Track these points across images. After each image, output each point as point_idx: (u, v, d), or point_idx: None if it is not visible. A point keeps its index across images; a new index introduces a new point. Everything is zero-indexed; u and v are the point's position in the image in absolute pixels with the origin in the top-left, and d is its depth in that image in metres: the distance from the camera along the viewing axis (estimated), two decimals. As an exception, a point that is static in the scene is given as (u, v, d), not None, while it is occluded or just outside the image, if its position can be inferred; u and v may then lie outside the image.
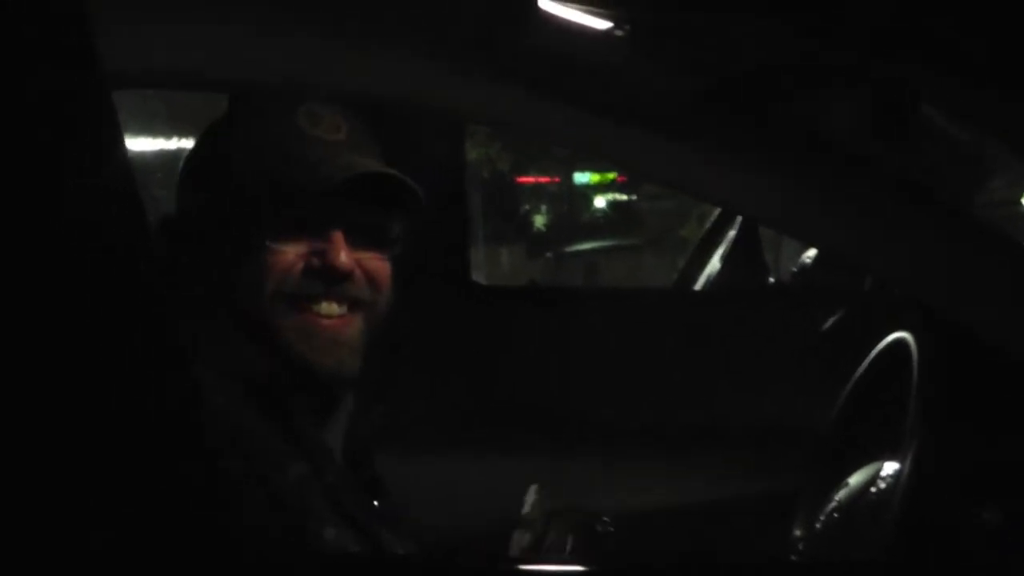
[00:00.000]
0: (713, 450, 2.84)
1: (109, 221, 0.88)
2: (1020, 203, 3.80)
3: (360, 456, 1.64)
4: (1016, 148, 1.84)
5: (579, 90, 1.64)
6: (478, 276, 6.19)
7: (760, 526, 2.10)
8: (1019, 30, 1.38)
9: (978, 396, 1.68)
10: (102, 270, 0.88)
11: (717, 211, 5.25)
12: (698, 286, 4.95)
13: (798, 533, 2.01)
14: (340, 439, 1.61)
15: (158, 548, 0.90)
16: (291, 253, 1.52)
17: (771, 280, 4.93)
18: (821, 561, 1.86)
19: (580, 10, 1.47)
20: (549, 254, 14.63)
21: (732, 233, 4.77)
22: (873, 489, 1.78)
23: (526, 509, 1.68)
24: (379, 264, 1.58)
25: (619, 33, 1.51)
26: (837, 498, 1.88)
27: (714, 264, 4.88)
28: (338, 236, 1.53)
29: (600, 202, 17.01)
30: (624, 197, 17.06)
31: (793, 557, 1.98)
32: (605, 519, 1.69)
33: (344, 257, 1.52)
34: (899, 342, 1.82)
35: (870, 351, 1.95)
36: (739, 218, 4.68)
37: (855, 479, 1.87)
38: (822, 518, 1.90)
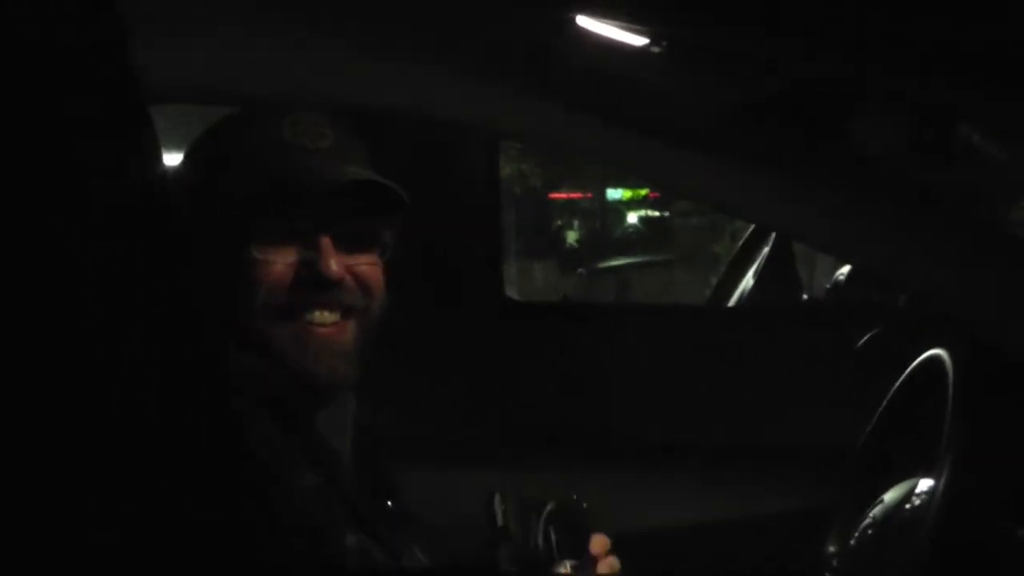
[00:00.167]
0: (747, 466, 2.83)
1: (143, 231, 0.89)
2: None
3: (370, 461, 1.64)
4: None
5: (615, 106, 1.65)
6: (511, 291, 6.19)
7: (794, 543, 2.09)
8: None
9: (1013, 413, 1.67)
10: (126, 265, 0.88)
11: (750, 228, 5.24)
12: (732, 303, 4.94)
13: (832, 550, 2.00)
14: (348, 445, 1.61)
15: (180, 555, 0.91)
16: (280, 264, 1.51)
17: (805, 297, 4.92)
18: (855, 578, 1.86)
19: (617, 27, 1.48)
20: (582, 270, 14.61)
21: (766, 250, 4.75)
22: (908, 506, 1.77)
23: (499, 521, 1.64)
24: (370, 270, 1.57)
25: (656, 50, 1.52)
26: (872, 515, 1.88)
27: (747, 281, 4.87)
28: (327, 244, 1.52)
29: (633, 218, 16.97)
30: (657, 213, 17.02)
31: (827, 574, 1.98)
32: (575, 497, 1.66)
33: (334, 265, 1.51)
34: (934, 359, 1.81)
35: (905, 368, 1.94)
36: (772, 235, 4.67)
37: (890, 496, 1.86)
38: (856, 535, 1.90)
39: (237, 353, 1.50)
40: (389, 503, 1.63)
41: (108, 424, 0.87)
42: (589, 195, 17.17)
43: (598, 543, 1.62)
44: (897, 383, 1.97)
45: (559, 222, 16.78)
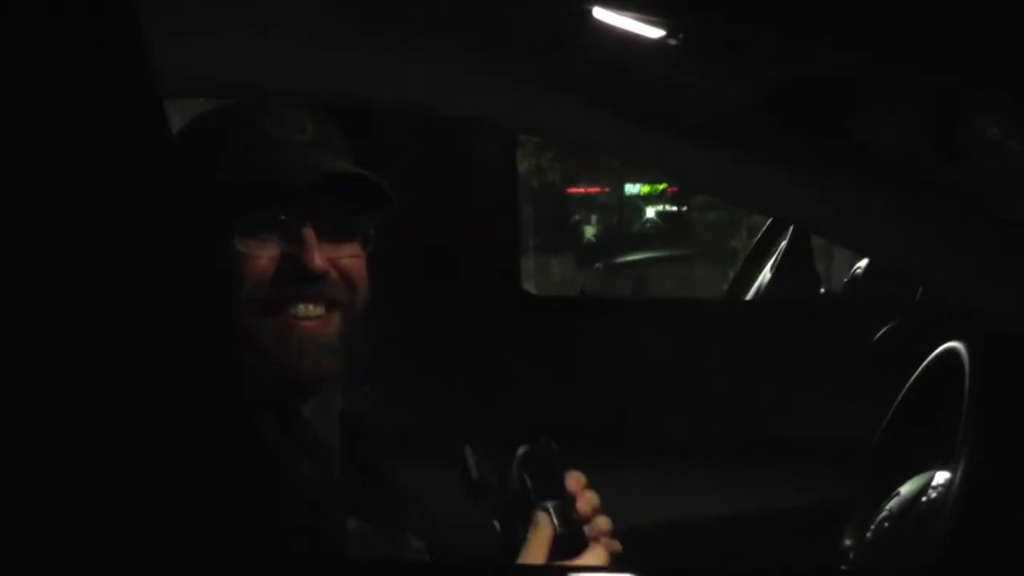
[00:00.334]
0: (763, 460, 2.83)
1: (158, 225, 0.89)
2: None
3: (358, 449, 1.64)
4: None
5: (631, 99, 1.65)
6: (529, 285, 6.19)
7: (810, 536, 2.09)
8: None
9: (1030, 406, 1.67)
10: (131, 263, 0.89)
11: (768, 222, 5.24)
12: (749, 297, 4.94)
13: (848, 543, 2.00)
14: (335, 435, 1.61)
15: (186, 548, 0.91)
16: (264, 257, 1.50)
17: (822, 290, 4.91)
18: (870, 572, 1.85)
19: (634, 19, 1.48)
20: (599, 264, 14.61)
21: (783, 244, 4.75)
22: (924, 499, 1.77)
23: (474, 474, 1.63)
24: (354, 263, 1.56)
25: (672, 42, 1.51)
26: (888, 508, 1.87)
27: (765, 275, 4.87)
28: (310, 237, 1.51)
29: (650, 213, 16.97)
30: (674, 208, 17.02)
31: (843, 567, 1.98)
32: (543, 438, 1.65)
33: (317, 258, 1.50)
34: (951, 351, 1.81)
35: (922, 361, 1.94)
36: (790, 229, 4.67)
37: (906, 489, 1.86)
38: (872, 528, 1.90)
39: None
40: (383, 490, 1.63)
41: (108, 422, 0.87)
42: (607, 190, 17.17)
43: (573, 480, 1.61)
44: (914, 376, 1.97)
45: (577, 217, 16.79)
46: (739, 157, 1.68)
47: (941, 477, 1.75)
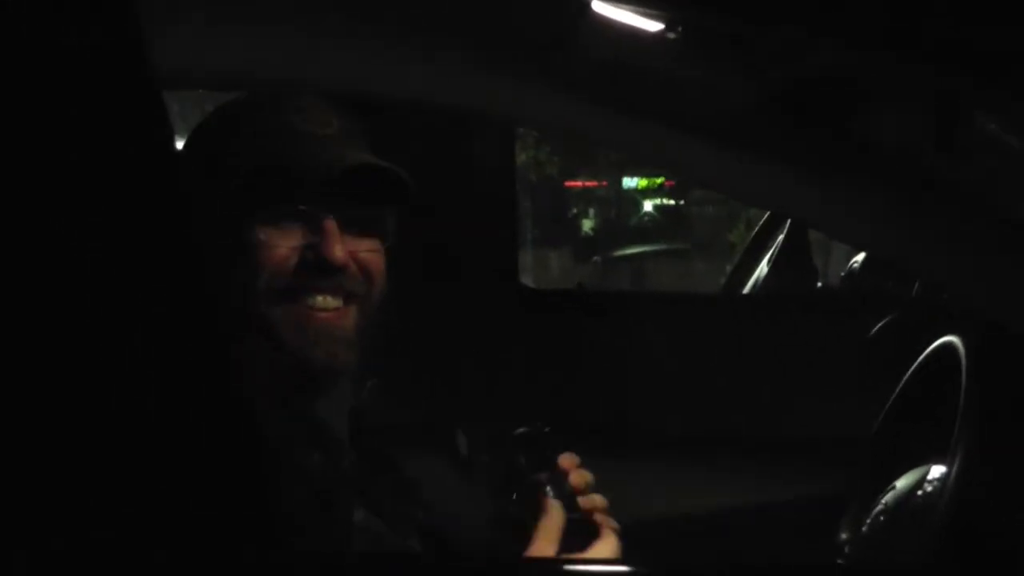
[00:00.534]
0: (759, 454, 2.84)
1: (158, 219, 0.90)
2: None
3: (366, 440, 1.65)
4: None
5: (630, 93, 1.65)
6: (526, 279, 6.19)
7: (806, 530, 2.10)
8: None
9: (1026, 400, 1.67)
10: (151, 271, 0.89)
11: (766, 216, 5.24)
12: (746, 291, 4.94)
13: (844, 536, 2.01)
14: (344, 426, 1.61)
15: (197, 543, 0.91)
16: (285, 247, 1.50)
17: (819, 285, 4.92)
18: (866, 566, 1.86)
19: (633, 12, 1.48)
20: (597, 258, 14.62)
21: (781, 238, 4.75)
22: (919, 493, 1.77)
23: (463, 450, 1.67)
24: (373, 256, 1.56)
25: (671, 36, 1.52)
26: (883, 502, 1.88)
27: (762, 269, 4.87)
28: (332, 228, 1.51)
29: (648, 206, 16.99)
30: (672, 202, 17.03)
31: (839, 561, 1.98)
32: (538, 423, 1.66)
33: (338, 250, 1.50)
34: (947, 346, 1.82)
35: (918, 355, 1.94)
36: (788, 223, 4.67)
37: (902, 483, 1.86)
38: (868, 522, 1.90)
39: (238, 335, 1.50)
40: (389, 483, 1.64)
41: (111, 416, 0.87)
42: (605, 183, 17.19)
43: (566, 459, 1.62)
44: (910, 370, 1.98)
45: (575, 210, 16.80)
46: (738, 152, 1.68)
47: (937, 471, 1.76)
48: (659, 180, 16.51)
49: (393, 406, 1.66)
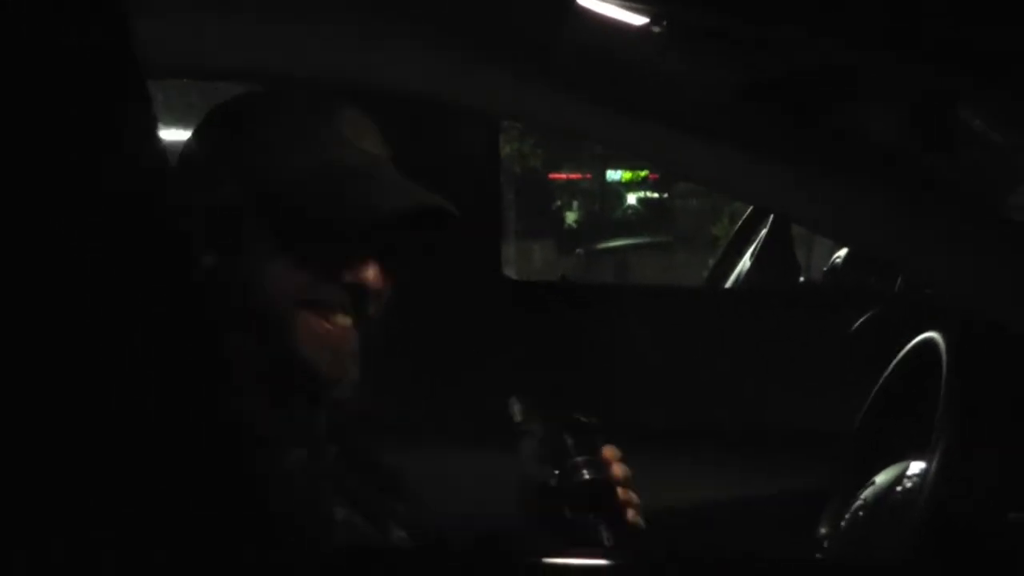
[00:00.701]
0: (740, 448, 2.84)
1: (141, 209, 0.89)
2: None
3: (346, 437, 1.64)
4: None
5: (614, 86, 1.65)
6: (509, 271, 6.19)
7: (786, 524, 2.10)
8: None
9: (1006, 396, 1.68)
10: (133, 263, 0.88)
11: (749, 209, 5.24)
12: (728, 284, 4.94)
13: (824, 531, 2.01)
14: (324, 423, 1.60)
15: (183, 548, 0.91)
16: (321, 265, 1.49)
17: (802, 279, 4.93)
18: (845, 560, 1.86)
19: (617, 5, 1.48)
20: (580, 250, 14.63)
21: (764, 232, 4.76)
22: (899, 488, 1.78)
23: (518, 418, 1.70)
24: (389, 275, 1.55)
25: (656, 29, 1.51)
26: (863, 497, 1.88)
27: (745, 263, 4.88)
28: (374, 261, 1.51)
29: (632, 199, 17.00)
30: (656, 195, 17.05)
31: (818, 555, 1.99)
32: (589, 414, 1.71)
33: (376, 279, 1.50)
34: (928, 341, 1.82)
35: (900, 351, 1.95)
36: (771, 217, 4.67)
37: (881, 478, 1.87)
38: (848, 517, 1.91)
39: (243, 331, 1.49)
40: (370, 479, 1.64)
41: (105, 417, 0.87)
42: (589, 176, 17.19)
43: (609, 450, 1.66)
44: (891, 366, 1.98)
45: (558, 202, 16.80)
46: (721, 144, 1.68)
47: (917, 467, 1.76)
48: (643, 173, 16.52)
49: (372, 398, 1.65)
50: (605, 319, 3.17)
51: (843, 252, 4.54)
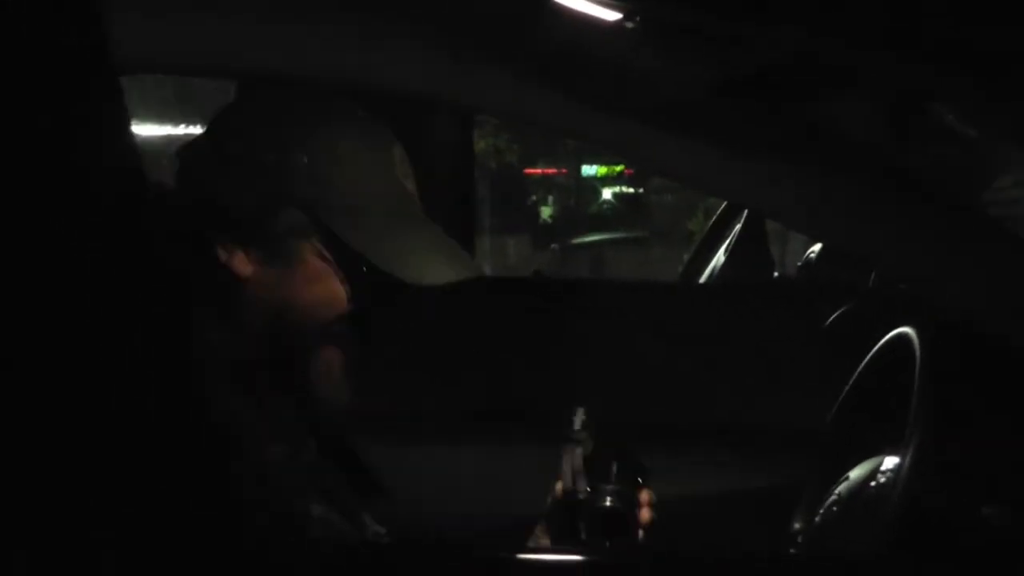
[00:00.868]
0: (714, 443, 2.84)
1: (114, 204, 0.89)
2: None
3: (325, 432, 1.64)
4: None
5: (588, 82, 1.65)
6: (484, 266, 6.18)
7: (760, 520, 2.10)
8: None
9: (979, 392, 1.68)
10: (105, 259, 0.88)
11: (723, 205, 5.25)
12: (703, 280, 4.95)
13: (797, 526, 2.02)
14: (303, 419, 1.61)
15: (166, 545, 0.90)
16: (343, 293, 1.54)
17: (776, 274, 4.94)
18: (819, 555, 1.86)
19: (591, 0, 1.47)
20: (555, 245, 14.64)
21: (738, 227, 4.77)
22: (873, 483, 1.78)
23: (576, 427, 1.72)
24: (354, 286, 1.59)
25: (630, 25, 1.51)
26: (837, 492, 1.89)
27: (719, 258, 4.89)
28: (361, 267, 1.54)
29: (607, 194, 17.01)
30: (631, 190, 17.06)
31: (792, 550, 1.99)
32: (644, 463, 1.74)
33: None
34: (902, 337, 1.82)
35: (874, 346, 1.95)
36: (745, 212, 4.68)
37: (855, 473, 1.87)
38: (821, 512, 1.91)
39: (224, 323, 1.49)
40: (347, 475, 1.64)
41: (99, 418, 0.86)
42: (564, 171, 17.19)
43: (647, 494, 1.70)
44: (865, 361, 1.98)
45: (534, 197, 16.81)
46: (696, 141, 1.69)
47: (890, 462, 1.77)
48: (619, 168, 16.53)
49: (350, 393, 1.65)
50: (580, 314, 3.17)
51: (817, 247, 4.55)
